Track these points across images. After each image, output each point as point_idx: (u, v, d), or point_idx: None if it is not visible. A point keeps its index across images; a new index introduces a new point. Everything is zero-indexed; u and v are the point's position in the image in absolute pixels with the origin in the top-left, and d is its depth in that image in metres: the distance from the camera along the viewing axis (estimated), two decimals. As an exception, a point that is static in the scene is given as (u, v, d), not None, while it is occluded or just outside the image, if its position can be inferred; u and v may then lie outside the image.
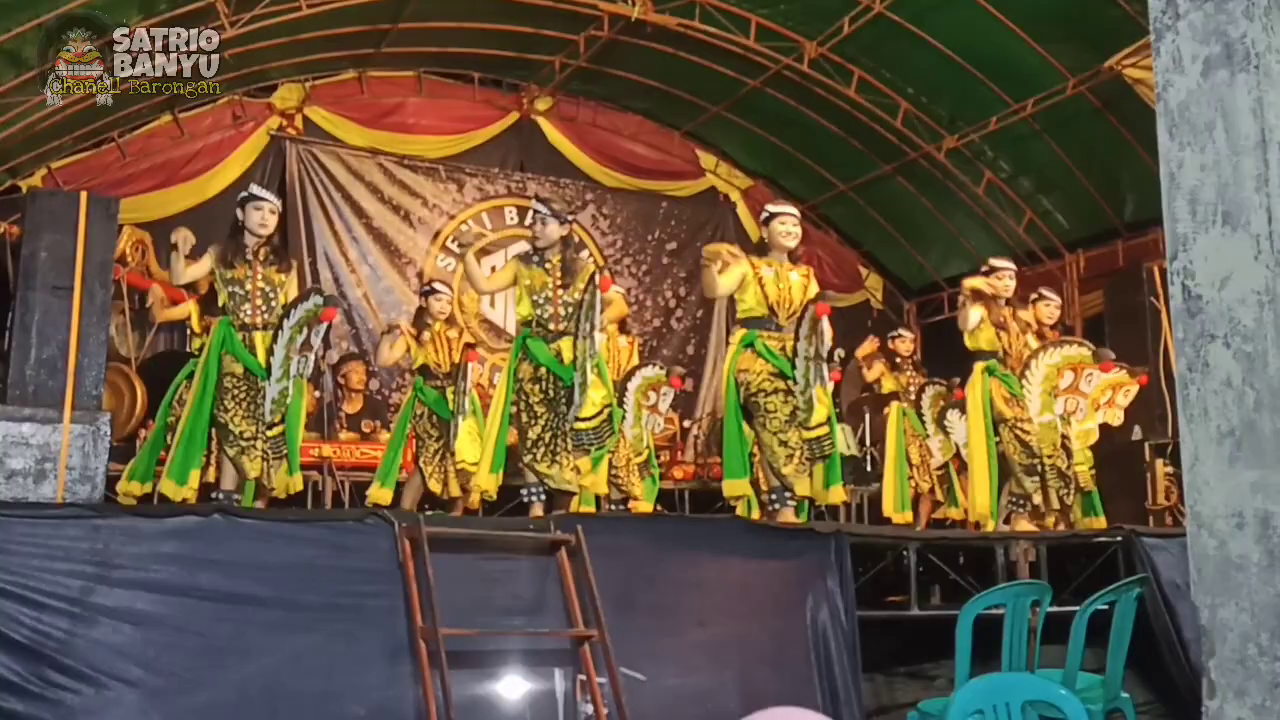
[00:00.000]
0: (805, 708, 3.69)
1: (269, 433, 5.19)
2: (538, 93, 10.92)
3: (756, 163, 11.94)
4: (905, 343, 8.48)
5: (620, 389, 6.94)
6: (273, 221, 5.33)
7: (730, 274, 5.29)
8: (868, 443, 8.75)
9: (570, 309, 5.21)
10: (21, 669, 3.42)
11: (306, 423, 7.91)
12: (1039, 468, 6.06)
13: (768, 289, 5.28)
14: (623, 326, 7.60)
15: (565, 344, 5.19)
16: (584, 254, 10.10)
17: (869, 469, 8.62)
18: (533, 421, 5.14)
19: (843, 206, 11.95)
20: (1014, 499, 6.19)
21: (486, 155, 10.94)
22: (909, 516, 7.67)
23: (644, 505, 7.02)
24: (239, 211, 5.33)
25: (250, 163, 9.72)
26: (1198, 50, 1.75)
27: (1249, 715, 1.62)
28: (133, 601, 3.66)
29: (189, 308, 7.12)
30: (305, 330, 5.05)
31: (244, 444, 5.12)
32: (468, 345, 6.76)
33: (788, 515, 5.16)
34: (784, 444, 5.16)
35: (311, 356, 5.19)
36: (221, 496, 5.16)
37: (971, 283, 6.25)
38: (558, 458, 5.12)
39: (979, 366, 6.18)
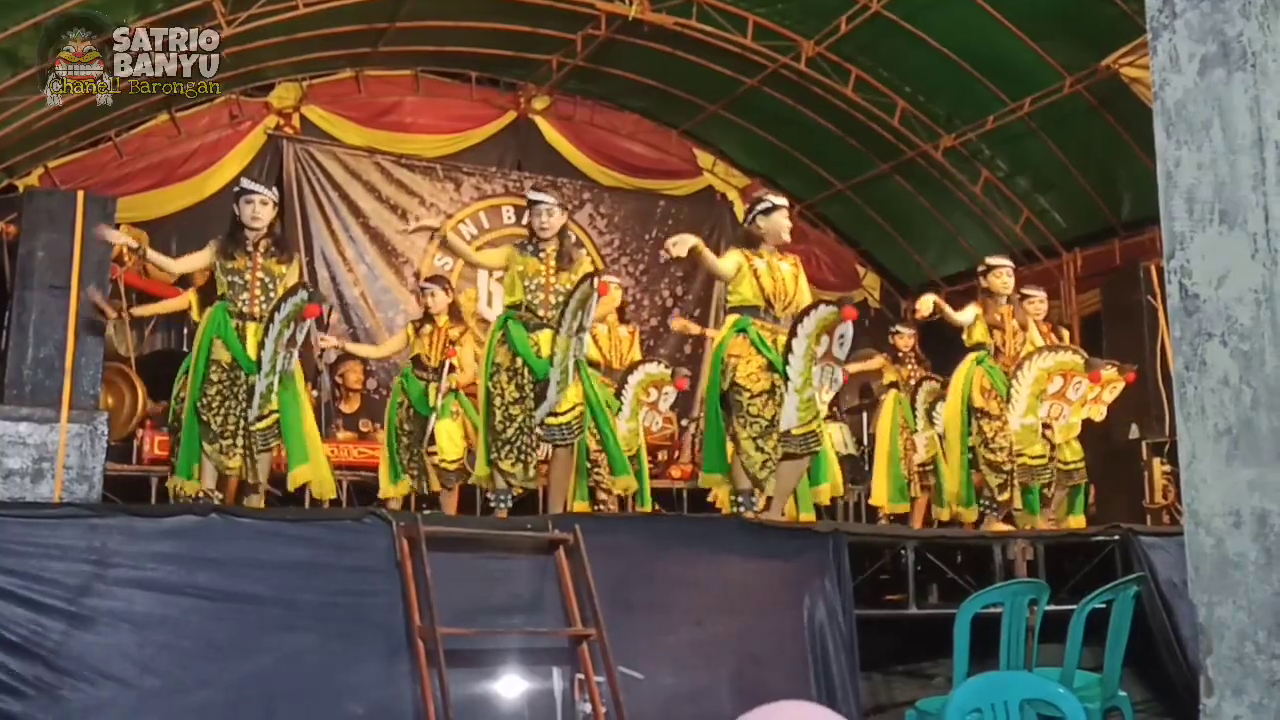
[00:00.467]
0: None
1: (255, 425, 5.08)
2: (535, 92, 10.91)
3: (754, 162, 11.94)
4: (905, 338, 8.48)
5: (621, 382, 6.93)
6: (265, 213, 5.24)
7: (728, 259, 5.25)
8: (865, 441, 8.75)
9: (561, 298, 5.20)
10: (18, 669, 3.42)
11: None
12: (1007, 467, 6.09)
13: (762, 280, 5.22)
14: (622, 316, 7.57)
15: (544, 337, 5.16)
16: (581, 250, 10.13)
17: (867, 468, 8.60)
18: (508, 422, 5.13)
19: (840, 205, 11.95)
20: (986, 502, 6.21)
21: (484, 154, 10.92)
22: (903, 507, 7.58)
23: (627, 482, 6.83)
24: (235, 207, 5.31)
25: (247, 162, 9.70)
26: (1194, 49, 1.75)
27: (1246, 713, 1.62)
28: (130, 601, 3.66)
29: (189, 298, 7.01)
30: (292, 326, 5.02)
31: (223, 441, 5.03)
32: (449, 343, 6.69)
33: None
34: (760, 449, 5.06)
35: (295, 353, 5.12)
36: (202, 495, 5.04)
37: (922, 302, 6.28)
38: (525, 457, 5.12)
39: (970, 356, 6.24)
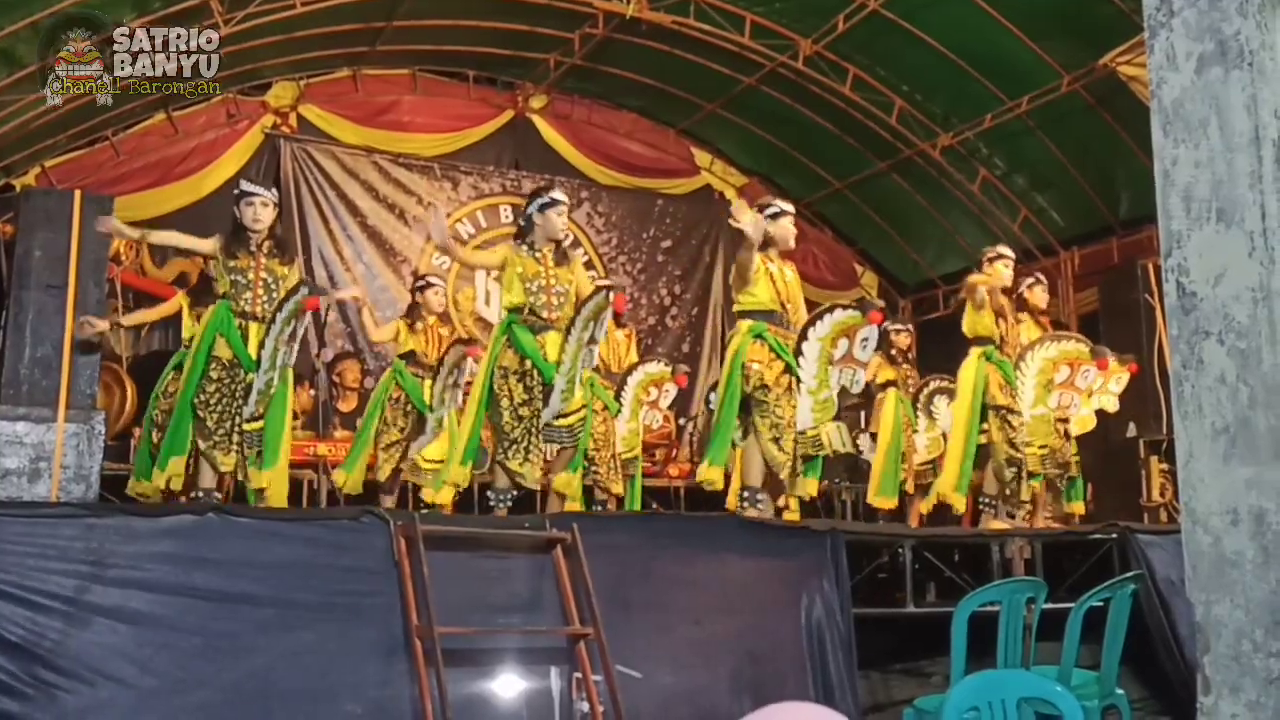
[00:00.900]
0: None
1: (248, 426, 5.05)
2: (533, 91, 10.91)
3: (752, 160, 11.94)
4: (903, 337, 8.47)
5: (620, 384, 6.92)
6: (266, 215, 5.24)
7: (756, 259, 5.25)
8: (868, 439, 8.73)
9: (561, 299, 5.20)
10: (16, 669, 3.42)
11: (302, 421, 7.96)
12: (1019, 460, 6.06)
13: (777, 285, 5.28)
14: (618, 320, 7.56)
15: (552, 339, 5.15)
16: (578, 249, 10.13)
17: (865, 467, 8.60)
18: (515, 422, 5.12)
19: (838, 204, 11.95)
20: (984, 500, 6.20)
21: (481, 153, 10.92)
22: (891, 501, 7.47)
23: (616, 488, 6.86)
24: (236, 209, 5.30)
25: (245, 161, 9.69)
26: (1192, 47, 1.75)
27: (1243, 711, 1.62)
28: (127, 601, 3.65)
29: (180, 301, 6.98)
30: (294, 322, 5.02)
31: (217, 438, 5.01)
32: (462, 341, 6.62)
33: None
34: (781, 449, 5.13)
35: (295, 348, 5.12)
36: (201, 495, 5.02)
37: (975, 279, 6.24)
38: (530, 456, 5.11)
39: (976, 351, 6.15)
